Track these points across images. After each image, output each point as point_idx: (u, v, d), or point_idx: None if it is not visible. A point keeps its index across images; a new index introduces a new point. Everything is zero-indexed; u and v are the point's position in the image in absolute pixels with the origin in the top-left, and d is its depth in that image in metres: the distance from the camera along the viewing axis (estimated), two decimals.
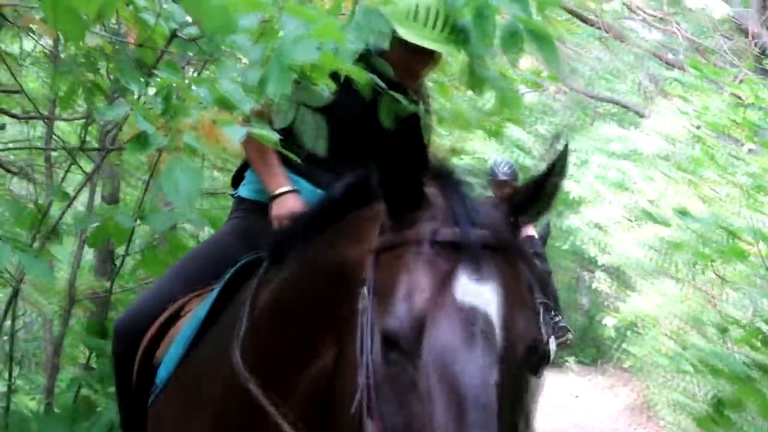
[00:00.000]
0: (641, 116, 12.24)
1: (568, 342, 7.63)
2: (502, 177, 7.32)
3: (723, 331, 5.37)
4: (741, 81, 8.36)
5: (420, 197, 1.88)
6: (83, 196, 5.98)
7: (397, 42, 2.87)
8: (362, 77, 2.46)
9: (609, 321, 11.22)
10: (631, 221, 9.71)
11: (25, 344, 9.16)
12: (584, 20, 12.16)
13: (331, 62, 2.36)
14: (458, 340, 1.66)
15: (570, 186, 11.55)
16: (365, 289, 1.87)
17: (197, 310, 2.66)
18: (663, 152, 9.73)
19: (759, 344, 3.67)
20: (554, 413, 11.56)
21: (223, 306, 2.55)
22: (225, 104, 2.55)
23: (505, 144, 11.66)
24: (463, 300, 1.70)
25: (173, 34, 2.92)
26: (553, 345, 6.38)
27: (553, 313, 7.15)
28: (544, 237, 6.85)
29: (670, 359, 7.91)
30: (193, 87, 2.70)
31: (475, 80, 3.08)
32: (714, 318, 6.79)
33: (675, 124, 8.97)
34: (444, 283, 1.73)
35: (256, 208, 3.08)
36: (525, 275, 1.87)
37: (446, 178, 1.93)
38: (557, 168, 2.02)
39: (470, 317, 1.69)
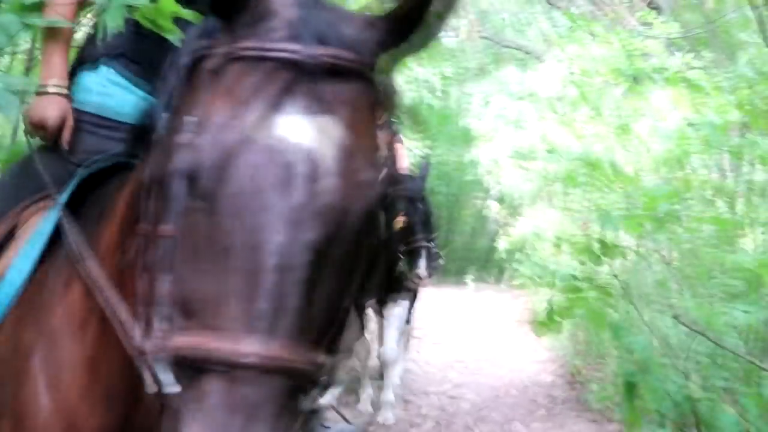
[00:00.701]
0: (541, 61, 12.47)
1: (440, 265, 7.72)
2: None
3: (556, 246, 5.63)
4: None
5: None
6: None
7: None
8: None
9: (501, 244, 11.50)
10: (518, 157, 9.94)
11: None
12: None
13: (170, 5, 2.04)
14: (267, 182, 1.21)
15: (473, 123, 11.72)
16: (164, 111, 1.43)
17: (42, 221, 1.98)
18: (555, 94, 9.92)
19: (586, 259, 3.84)
20: (450, 323, 11.93)
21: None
22: None
23: (413, 83, 11.71)
24: (283, 132, 1.24)
25: None
26: (424, 271, 6.13)
27: (430, 244, 7.02)
28: (424, 176, 6.69)
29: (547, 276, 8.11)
30: None
31: None
32: (580, 240, 7.04)
33: (561, 70, 9.15)
34: (264, 109, 1.25)
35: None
36: (379, 111, 1.35)
37: None
38: None
39: (287, 154, 1.22)
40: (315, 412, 1.28)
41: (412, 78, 11.19)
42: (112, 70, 2.25)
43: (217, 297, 1.18)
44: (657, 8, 11.11)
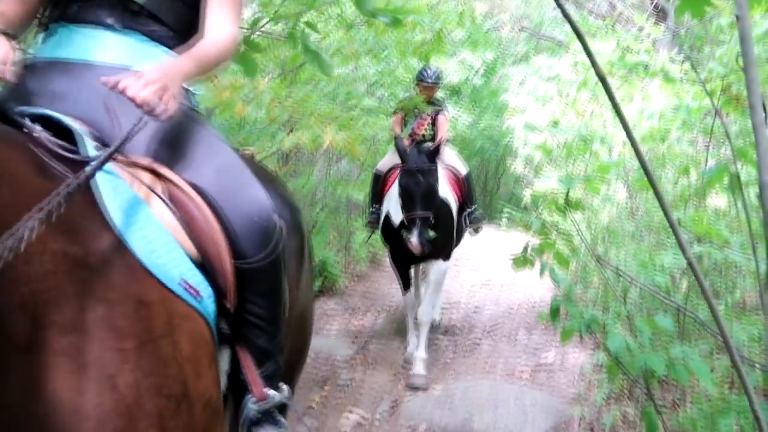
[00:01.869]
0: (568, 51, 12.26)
1: (481, 228, 6.86)
2: (428, 81, 6.44)
3: (536, 200, 5.72)
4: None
5: None
6: None
7: None
8: None
9: (526, 194, 11.40)
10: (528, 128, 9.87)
11: None
12: None
13: None
14: None
15: (510, 98, 11.64)
16: None
17: None
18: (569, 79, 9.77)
19: (555, 210, 3.90)
20: (486, 254, 12.02)
21: None
22: None
23: (461, 65, 11.67)
24: None
25: None
26: (414, 240, 5.09)
27: (471, 206, 6.41)
28: (431, 153, 5.43)
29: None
30: None
31: None
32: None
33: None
34: None
35: None
36: None
37: None
38: None
39: None
40: None
41: (460, 61, 11.20)
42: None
43: None
44: (662, 9, 10.84)
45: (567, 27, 13.06)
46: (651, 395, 3.17)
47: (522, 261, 3.65)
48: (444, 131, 6.43)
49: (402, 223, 5.43)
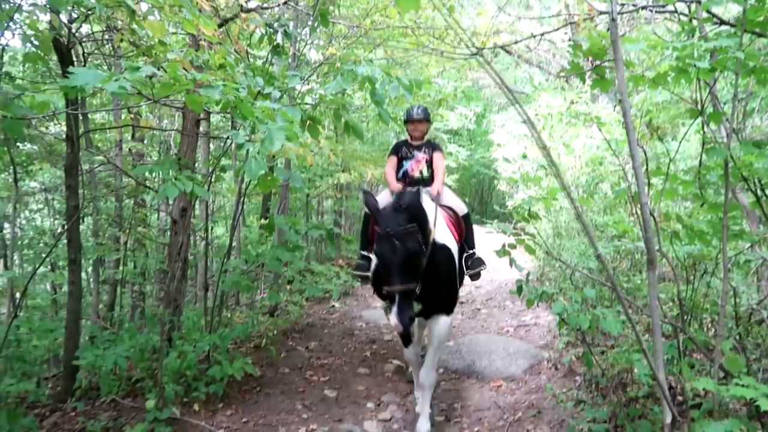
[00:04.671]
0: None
1: (480, 274, 4.32)
2: (416, 116, 4.40)
3: (512, 213, 5.79)
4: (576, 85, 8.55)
5: None
6: None
7: None
8: None
9: (510, 203, 11.53)
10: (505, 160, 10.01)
11: None
12: (508, 52, 12.15)
13: None
14: None
15: (495, 137, 11.77)
16: None
17: None
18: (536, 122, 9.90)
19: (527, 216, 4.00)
20: (481, 247, 12.15)
21: None
22: None
23: (459, 116, 11.85)
24: None
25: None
26: (394, 318, 2.97)
27: (470, 250, 4.32)
28: (408, 207, 3.24)
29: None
30: None
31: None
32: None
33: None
34: None
35: None
36: None
37: None
38: None
39: None
40: None
41: (459, 113, 11.41)
42: None
43: None
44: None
45: (536, 81, 13.19)
46: (587, 342, 3.42)
47: (502, 252, 3.88)
48: (441, 172, 4.47)
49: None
